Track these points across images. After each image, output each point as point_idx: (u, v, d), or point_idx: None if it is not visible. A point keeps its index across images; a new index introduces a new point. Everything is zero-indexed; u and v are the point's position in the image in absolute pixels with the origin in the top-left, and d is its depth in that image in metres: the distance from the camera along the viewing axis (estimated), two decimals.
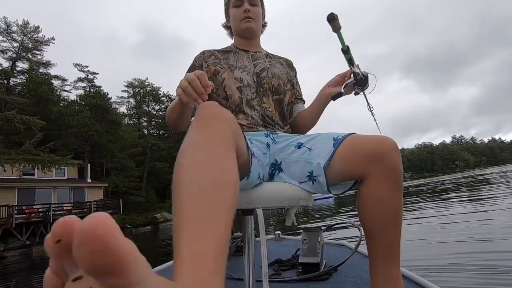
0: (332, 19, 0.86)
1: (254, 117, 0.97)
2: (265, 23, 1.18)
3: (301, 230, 1.60)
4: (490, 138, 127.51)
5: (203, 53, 1.08)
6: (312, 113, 1.07)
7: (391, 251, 0.73)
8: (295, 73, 1.18)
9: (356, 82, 0.89)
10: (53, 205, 16.40)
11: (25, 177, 17.05)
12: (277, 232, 2.46)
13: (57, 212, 16.34)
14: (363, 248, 1.01)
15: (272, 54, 1.17)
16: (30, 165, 14.41)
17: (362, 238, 0.87)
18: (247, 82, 1.00)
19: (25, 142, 14.83)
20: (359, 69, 0.90)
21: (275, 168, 0.90)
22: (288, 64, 1.16)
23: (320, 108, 1.05)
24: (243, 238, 0.87)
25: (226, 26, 1.18)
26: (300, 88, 1.18)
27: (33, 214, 15.32)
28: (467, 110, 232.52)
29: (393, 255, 0.73)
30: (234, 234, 2.03)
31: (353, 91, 0.93)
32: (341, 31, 0.87)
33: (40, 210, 15.79)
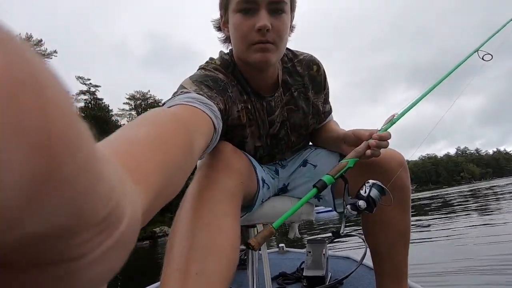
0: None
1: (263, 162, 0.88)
2: (293, 27, 0.76)
3: (306, 242, 1.57)
4: (495, 150, 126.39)
5: (230, 80, 0.71)
6: (326, 144, 0.87)
7: (399, 271, 0.71)
8: (326, 89, 0.86)
9: (359, 212, 0.60)
10: None
11: None
12: (281, 245, 2.42)
13: None
14: (368, 261, 0.95)
15: (290, 70, 0.79)
16: None
17: (368, 250, 0.84)
18: (260, 144, 0.82)
19: None
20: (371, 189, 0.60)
21: (283, 192, 0.88)
22: (315, 83, 0.82)
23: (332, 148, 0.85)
24: (246, 251, 0.85)
25: (219, 28, 0.75)
26: (328, 103, 0.88)
27: None
28: (472, 120, 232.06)
29: (401, 274, 0.71)
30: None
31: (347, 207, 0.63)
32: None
33: None
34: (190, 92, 0.52)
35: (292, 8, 0.71)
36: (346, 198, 0.59)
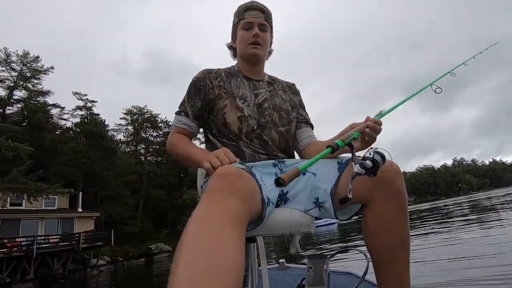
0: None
1: (255, 145, 0.98)
2: (272, 50, 1.15)
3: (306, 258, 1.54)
4: (491, 160, 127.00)
5: (209, 72, 1.06)
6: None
7: (401, 279, 0.72)
8: (300, 97, 1.18)
9: (367, 171, 0.71)
10: (38, 238, 15.42)
11: (11, 207, 16.26)
12: (281, 261, 2.37)
13: (42, 245, 15.34)
14: (371, 276, 0.94)
15: (274, 78, 1.17)
16: (15, 195, 13.68)
17: (370, 264, 0.82)
18: (248, 113, 1.00)
19: (14, 170, 14.18)
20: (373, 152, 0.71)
21: (281, 199, 0.90)
22: (291, 90, 1.17)
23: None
24: (246, 267, 0.84)
25: (231, 47, 1.14)
26: (305, 112, 1.17)
27: (15, 248, 14.31)
28: (469, 131, 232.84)
29: (404, 283, 0.72)
30: None
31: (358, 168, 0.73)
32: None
33: (23, 243, 14.79)
34: (178, 115, 1.04)
35: (272, 34, 1.11)
36: (354, 159, 0.69)
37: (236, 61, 1.13)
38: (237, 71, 1.09)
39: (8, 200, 15.57)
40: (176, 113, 1.04)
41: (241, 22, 1.05)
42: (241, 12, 1.06)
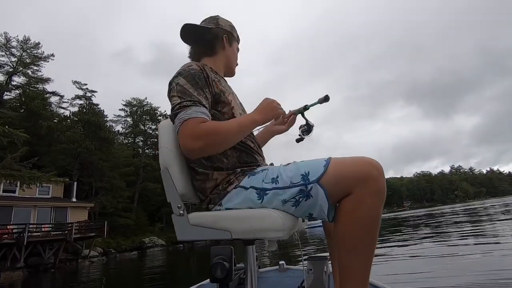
0: (326, 99, 1.19)
1: (255, 140, 1.06)
2: None
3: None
4: (488, 169, 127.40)
5: (202, 65, 1.01)
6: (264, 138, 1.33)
7: (368, 266, 0.80)
8: None
9: (307, 127, 1.23)
10: (30, 226, 15.18)
11: (3, 194, 16.04)
12: (281, 262, 2.36)
13: (34, 234, 15.13)
14: (371, 277, 0.89)
15: None
16: (8, 181, 13.46)
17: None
18: (241, 111, 1.08)
19: (8, 156, 13.94)
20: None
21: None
22: None
23: (264, 142, 1.29)
24: (245, 270, 0.89)
25: (226, 37, 1.15)
26: None
27: (6, 235, 14.10)
28: (468, 139, 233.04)
29: (368, 270, 0.80)
30: (237, 265, 1.87)
31: (299, 134, 1.24)
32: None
33: (14, 231, 14.57)
34: (191, 107, 0.87)
35: None
36: (308, 123, 1.23)
37: (204, 60, 1.11)
38: (217, 72, 1.10)
39: (1, 187, 15.36)
40: (186, 106, 0.87)
41: (237, 43, 1.20)
42: (238, 37, 1.20)
